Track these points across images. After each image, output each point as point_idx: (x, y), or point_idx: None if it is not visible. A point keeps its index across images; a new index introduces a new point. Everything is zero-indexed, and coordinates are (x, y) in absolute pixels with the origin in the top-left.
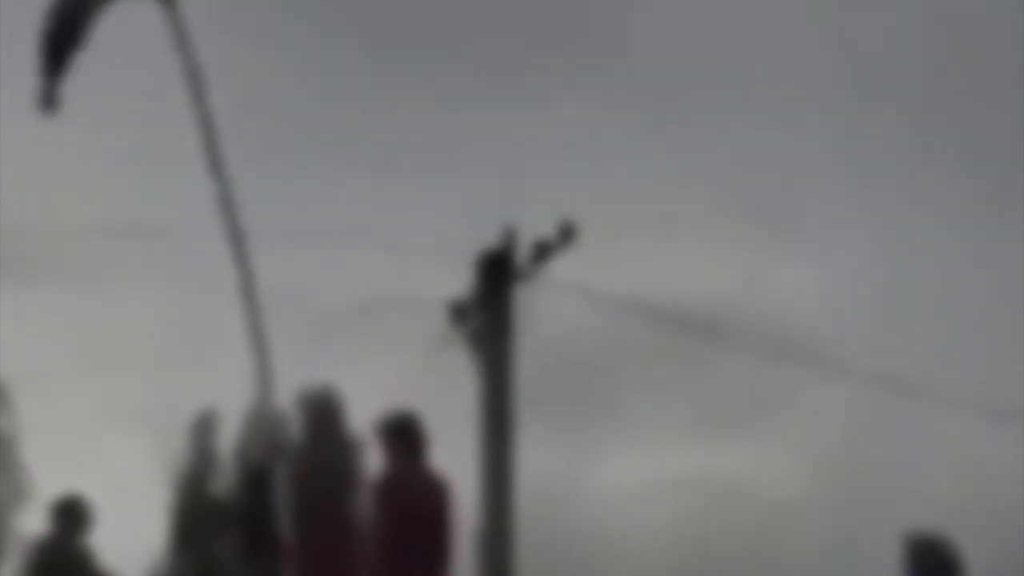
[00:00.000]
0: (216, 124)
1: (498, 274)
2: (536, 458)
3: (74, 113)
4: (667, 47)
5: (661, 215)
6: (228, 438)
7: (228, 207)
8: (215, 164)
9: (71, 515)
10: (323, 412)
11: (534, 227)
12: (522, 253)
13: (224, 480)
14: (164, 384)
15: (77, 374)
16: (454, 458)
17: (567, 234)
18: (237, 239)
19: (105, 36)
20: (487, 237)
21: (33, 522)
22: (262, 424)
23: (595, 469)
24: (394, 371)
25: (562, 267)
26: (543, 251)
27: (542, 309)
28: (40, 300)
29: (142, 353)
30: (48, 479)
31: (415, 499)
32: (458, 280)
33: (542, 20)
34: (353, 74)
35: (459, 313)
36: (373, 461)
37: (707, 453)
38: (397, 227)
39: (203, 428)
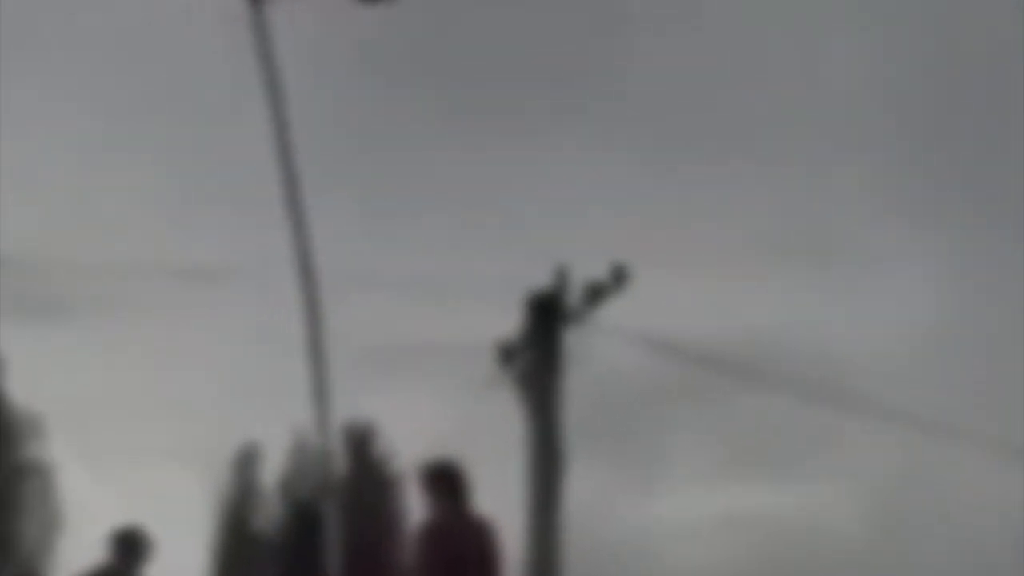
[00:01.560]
0: (293, 142)
1: (548, 315)
2: (583, 495)
3: (136, 157)
4: (720, 93)
5: (709, 256)
6: (272, 473)
7: (302, 246)
8: (292, 198)
9: (131, 546)
10: (362, 448)
11: (585, 269)
12: (573, 295)
13: (267, 514)
14: (209, 419)
15: (127, 408)
16: (502, 496)
17: (620, 277)
18: (308, 279)
19: (177, 87)
20: (538, 279)
21: (70, 550)
22: (312, 460)
23: (642, 506)
24: (444, 410)
25: (613, 309)
26: (596, 294)
27: (591, 350)
28: (95, 336)
29: (190, 390)
30: (97, 510)
31: (460, 544)
32: (507, 321)
33: (593, 66)
34: (402, 118)
35: (508, 354)
36: (416, 503)
37: (753, 491)
38: (448, 269)
39: (246, 462)
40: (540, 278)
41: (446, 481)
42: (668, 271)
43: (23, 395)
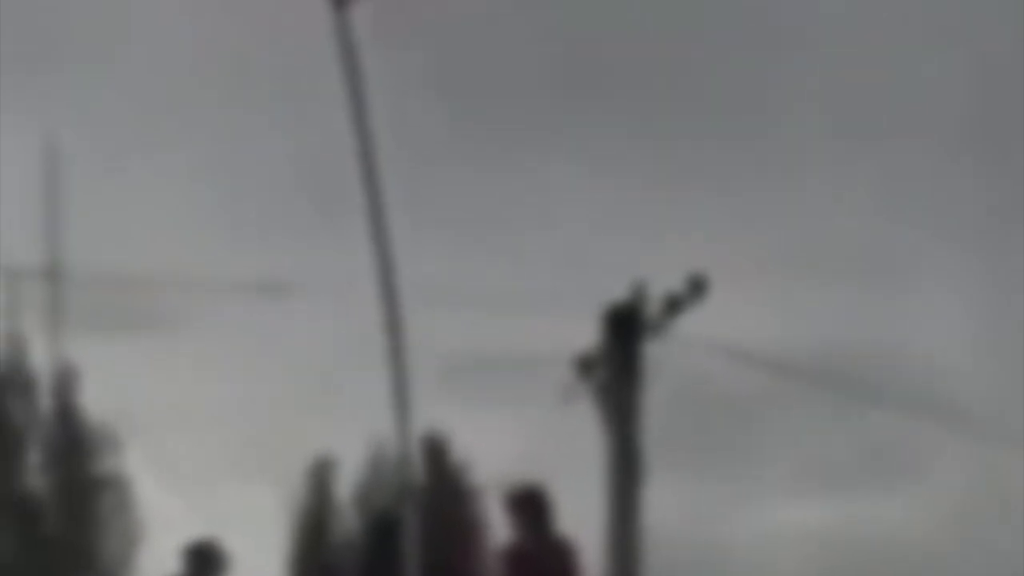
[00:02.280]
0: (376, 148)
1: (626, 328)
2: (663, 509)
3: (207, 168)
4: (801, 101)
5: (787, 266)
6: (348, 485)
7: (385, 258)
8: (375, 210)
9: (205, 560)
10: (439, 459)
11: (662, 281)
12: (651, 307)
13: (343, 526)
14: (284, 432)
15: (203, 421)
16: (580, 510)
17: (697, 288)
18: (390, 291)
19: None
20: (615, 291)
21: (149, 563)
22: (389, 472)
23: (723, 520)
24: (522, 423)
25: (692, 320)
26: (673, 305)
27: (669, 362)
28: (172, 349)
29: (266, 402)
30: (175, 524)
31: (542, 568)
32: (586, 334)
33: (669, 79)
34: (481, 131)
35: (586, 367)
36: (495, 517)
37: (834, 503)
38: (526, 281)
39: (321, 474)
40: (618, 290)
41: (531, 506)
42: (745, 281)
43: (99, 408)
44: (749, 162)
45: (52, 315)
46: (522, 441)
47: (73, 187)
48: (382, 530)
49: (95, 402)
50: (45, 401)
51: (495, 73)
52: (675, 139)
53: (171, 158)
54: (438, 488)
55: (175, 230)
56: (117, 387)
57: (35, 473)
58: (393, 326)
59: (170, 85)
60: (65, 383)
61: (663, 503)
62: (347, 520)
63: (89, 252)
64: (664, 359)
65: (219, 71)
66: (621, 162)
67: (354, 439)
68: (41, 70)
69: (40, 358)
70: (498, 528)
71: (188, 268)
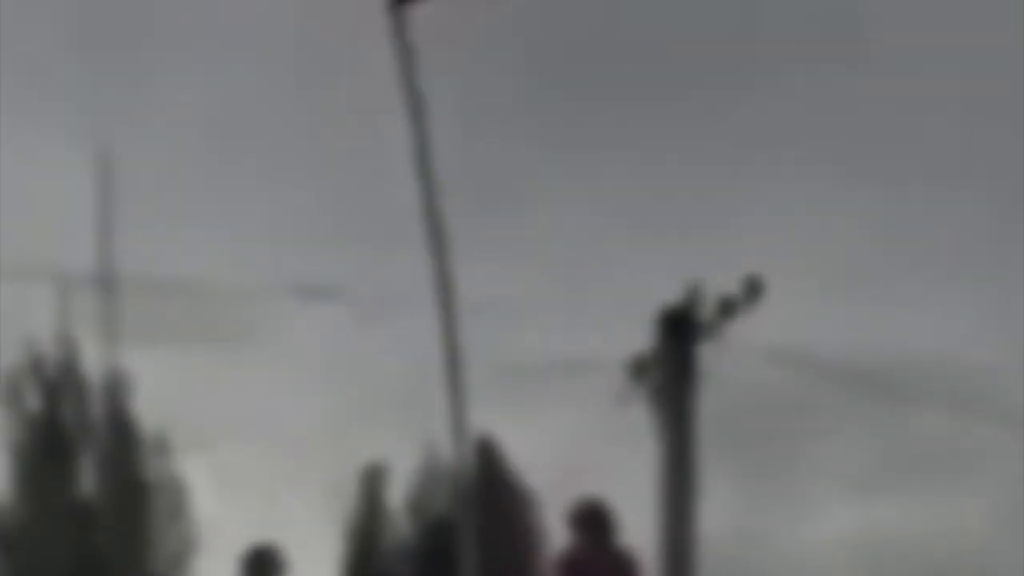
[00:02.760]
0: (432, 155)
1: (680, 331)
2: (719, 513)
3: (262, 174)
4: (872, 105)
5: (845, 268)
6: (400, 491)
7: (442, 264)
8: (432, 216)
9: (265, 565)
10: (493, 464)
11: (718, 283)
12: (706, 309)
13: (395, 533)
14: (337, 439)
15: (256, 428)
16: (634, 514)
17: (753, 290)
18: (447, 297)
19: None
20: (670, 293)
21: (203, 570)
22: (442, 478)
23: (780, 524)
24: (576, 427)
25: (747, 323)
26: (728, 308)
27: (725, 365)
28: (227, 357)
29: (319, 409)
30: (226, 530)
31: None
32: (640, 337)
33: (727, 75)
34: (532, 130)
35: (640, 370)
36: (550, 523)
37: (892, 507)
38: (579, 284)
39: (373, 481)
40: (672, 292)
41: (595, 522)
42: (803, 284)
43: (153, 416)
44: (807, 163)
45: (105, 322)
46: (575, 446)
47: (128, 196)
48: (436, 536)
49: (149, 410)
50: (97, 407)
51: (544, 74)
52: (732, 138)
53: (227, 167)
54: (493, 494)
55: (230, 239)
56: (171, 395)
57: (88, 479)
58: (449, 332)
59: (226, 91)
60: (117, 389)
61: (716, 508)
62: (400, 526)
63: (143, 261)
64: (718, 363)
65: (275, 76)
66: (677, 163)
67: (407, 445)
68: (95, 78)
69: (93, 366)
70: (554, 534)
71: (243, 277)
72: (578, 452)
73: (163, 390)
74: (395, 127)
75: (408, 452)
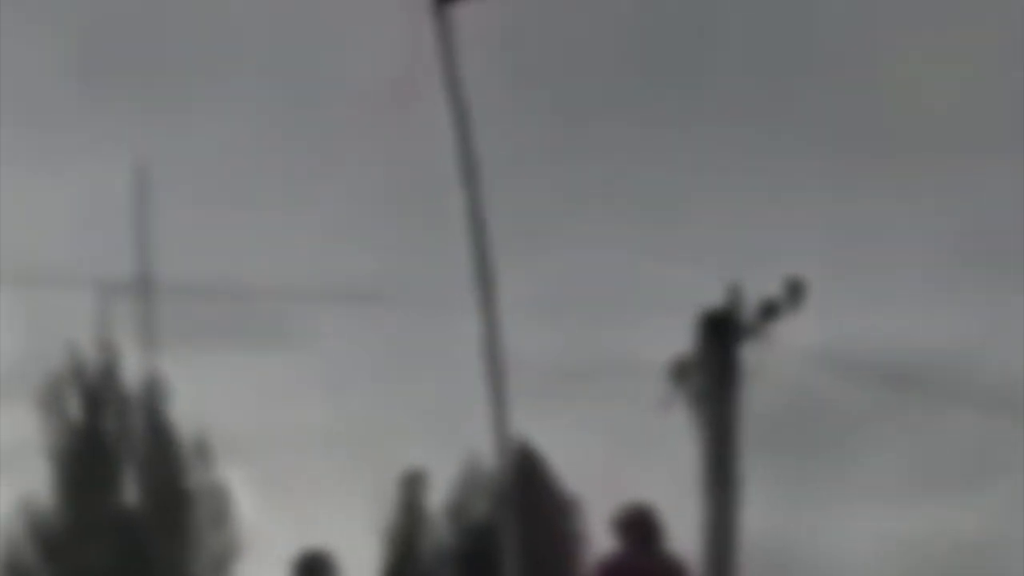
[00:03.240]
0: (477, 157)
1: (722, 333)
2: (761, 517)
3: (300, 174)
4: (912, 103)
5: (891, 269)
6: (440, 497)
7: (484, 268)
8: (475, 219)
9: (316, 571)
10: (534, 469)
11: (760, 284)
12: (748, 311)
13: (435, 539)
14: (377, 444)
15: (295, 433)
16: (675, 518)
17: (795, 292)
18: (490, 301)
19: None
20: (712, 294)
21: (250, 574)
22: (482, 485)
23: (824, 528)
24: (617, 429)
25: (789, 325)
26: (770, 310)
27: (767, 367)
28: (266, 362)
29: (359, 413)
30: (268, 536)
31: None
32: (682, 338)
33: (766, 78)
34: (572, 131)
35: (682, 372)
36: (592, 528)
37: (938, 511)
38: (620, 286)
39: (413, 487)
40: (714, 294)
41: (641, 528)
42: (847, 284)
43: (194, 421)
44: (849, 167)
45: (143, 328)
46: (617, 448)
47: (166, 203)
48: (476, 541)
49: (189, 415)
50: (138, 414)
51: (592, 73)
52: (776, 143)
53: (266, 172)
54: (533, 498)
55: (270, 244)
56: (211, 400)
57: (130, 486)
58: (491, 335)
59: (265, 98)
60: (156, 395)
61: (758, 511)
62: (440, 532)
63: (182, 266)
64: (760, 365)
65: (315, 79)
66: (719, 163)
67: (447, 450)
68: (133, 88)
69: (134, 372)
70: (596, 539)
71: (282, 280)
72: (620, 455)
73: (203, 395)
74: (439, 128)
75: (448, 457)
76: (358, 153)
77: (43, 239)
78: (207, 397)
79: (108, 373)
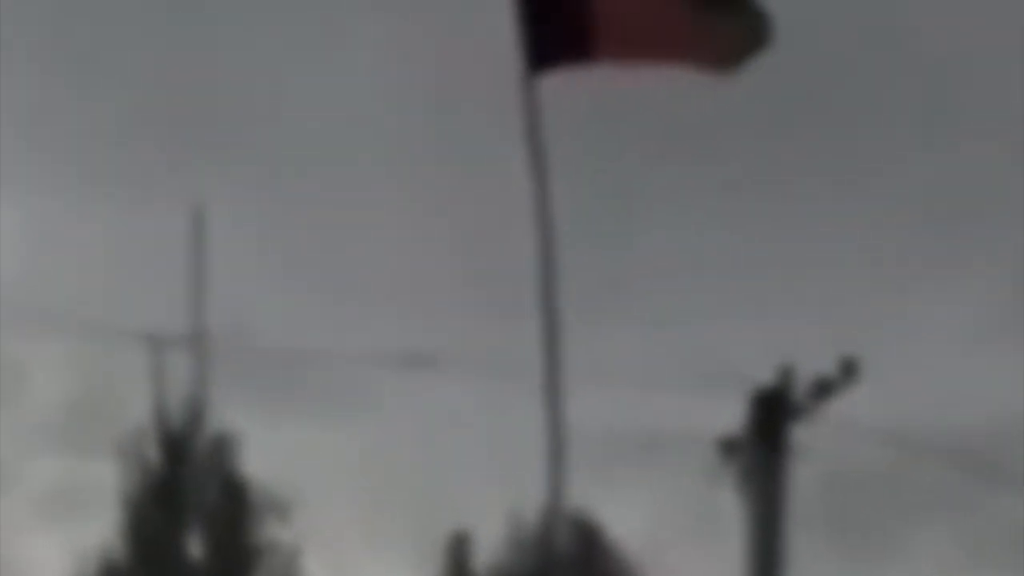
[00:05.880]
0: (554, 231)
1: (773, 411)
2: None
3: (356, 241)
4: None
5: (947, 342)
6: (483, 559)
7: (552, 333)
8: (546, 282)
9: None
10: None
11: (811, 361)
12: (799, 389)
13: None
14: (427, 505)
15: (348, 493)
16: None
17: (849, 371)
18: (554, 366)
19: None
20: (763, 369)
21: None
22: (529, 548)
23: None
24: (666, 503)
25: (843, 403)
26: (823, 388)
27: (819, 447)
28: (322, 425)
29: (408, 478)
30: None
31: None
32: (733, 414)
33: (816, 154)
34: (635, 205)
35: (730, 449)
36: None
37: None
38: (671, 358)
39: (458, 548)
40: (765, 368)
41: None
42: (903, 360)
43: (256, 479)
44: (908, 241)
45: (204, 383)
46: (666, 523)
47: (222, 255)
48: None
49: (252, 473)
50: (208, 468)
51: (654, 147)
52: (831, 217)
53: (325, 230)
54: (589, 568)
55: (326, 301)
56: (268, 459)
57: (196, 541)
58: (553, 400)
59: (330, 152)
60: (228, 451)
61: None
62: None
63: (239, 322)
64: (811, 443)
65: (384, 139)
66: (774, 240)
67: (494, 513)
68: (190, 134)
69: (208, 427)
70: None
71: (339, 342)
72: (667, 530)
73: (259, 454)
74: (511, 194)
75: (497, 519)
76: (421, 214)
77: (95, 289)
78: (264, 455)
79: (191, 427)
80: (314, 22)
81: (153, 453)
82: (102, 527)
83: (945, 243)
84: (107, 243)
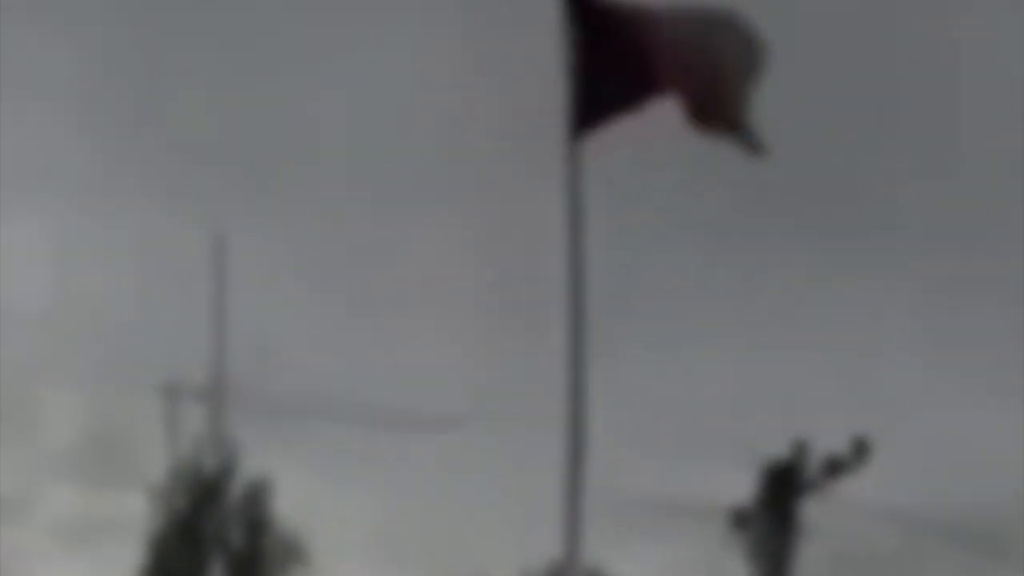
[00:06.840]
0: (586, 290)
1: (784, 485)
2: None
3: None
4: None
5: (955, 427)
6: None
7: (578, 392)
8: (576, 344)
9: None
10: None
11: (823, 438)
12: (811, 467)
13: None
14: (441, 559)
15: (366, 546)
16: None
17: (860, 451)
18: (579, 427)
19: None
20: (775, 444)
21: None
22: None
23: None
24: (678, 569)
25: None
26: (835, 467)
27: (828, 523)
28: (340, 476)
29: (425, 532)
30: None
31: None
32: (743, 485)
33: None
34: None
35: (741, 520)
36: None
37: None
38: (684, 427)
39: None
40: (777, 444)
41: None
42: (915, 441)
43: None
44: (930, 320)
45: (225, 430)
46: None
47: (242, 303)
48: None
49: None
50: (235, 512)
51: (682, 212)
52: (850, 293)
53: (344, 292)
54: None
55: (350, 342)
56: (291, 509)
57: None
58: (575, 461)
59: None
60: (259, 496)
61: None
62: None
63: (257, 371)
64: (821, 519)
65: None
66: (797, 317)
67: (509, 567)
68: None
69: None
70: None
71: (361, 399)
72: None
73: (280, 500)
74: (541, 256)
75: (509, 568)
76: (453, 273)
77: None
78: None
79: (222, 472)
80: (339, 50)
81: (181, 496)
82: (121, 558)
83: (962, 324)
84: (130, 269)
